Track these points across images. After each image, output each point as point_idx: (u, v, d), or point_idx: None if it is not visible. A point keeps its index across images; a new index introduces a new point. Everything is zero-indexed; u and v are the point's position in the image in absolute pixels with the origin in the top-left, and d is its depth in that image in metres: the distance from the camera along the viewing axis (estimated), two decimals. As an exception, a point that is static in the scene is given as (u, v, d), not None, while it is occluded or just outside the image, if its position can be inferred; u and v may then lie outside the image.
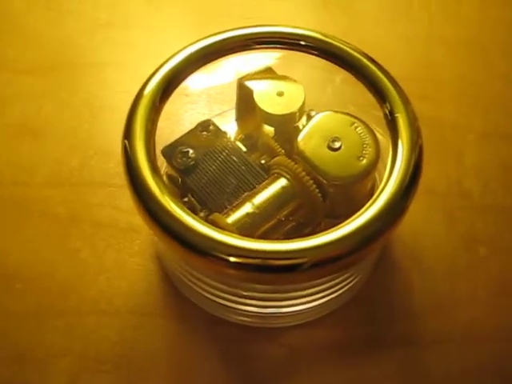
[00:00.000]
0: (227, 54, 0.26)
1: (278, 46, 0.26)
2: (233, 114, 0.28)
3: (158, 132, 0.24)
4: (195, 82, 0.29)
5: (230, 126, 0.28)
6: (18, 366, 0.26)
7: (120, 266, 0.28)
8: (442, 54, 0.35)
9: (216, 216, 0.23)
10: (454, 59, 0.35)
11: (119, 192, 0.30)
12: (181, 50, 0.25)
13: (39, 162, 0.31)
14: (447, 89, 0.34)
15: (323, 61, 0.26)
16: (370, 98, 0.25)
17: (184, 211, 0.22)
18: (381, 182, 0.26)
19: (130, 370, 0.26)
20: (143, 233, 0.29)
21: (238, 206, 0.24)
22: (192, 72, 0.25)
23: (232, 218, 0.23)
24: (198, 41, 0.26)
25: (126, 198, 0.30)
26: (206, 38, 0.26)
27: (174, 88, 0.25)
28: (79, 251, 0.29)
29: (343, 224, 0.22)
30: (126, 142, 0.23)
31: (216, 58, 0.26)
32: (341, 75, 0.26)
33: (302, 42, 0.26)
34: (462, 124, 0.33)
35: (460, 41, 0.36)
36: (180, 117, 0.31)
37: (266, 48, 0.26)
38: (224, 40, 0.25)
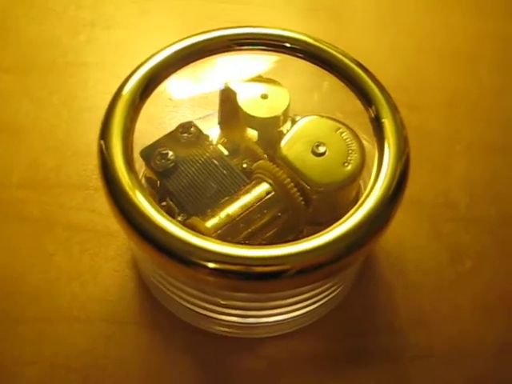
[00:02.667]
0: (210, 55, 0.25)
1: (263, 47, 0.25)
2: (216, 118, 0.28)
3: (138, 135, 0.23)
4: (178, 85, 0.29)
5: (212, 130, 0.27)
6: (-17, 375, 0.25)
7: (95, 271, 0.27)
8: (431, 64, 0.35)
9: (194, 220, 0.23)
10: (443, 70, 0.35)
11: (97, 195, 0.29)
12: (162, 49, 0.25)
13: (15, 162, 0.30)
14: (436, 99, 0.34)
15: (311, 66, 0.26)
16: (357, 104, 0.25)
17: (161, 214, 0.21)
18: (365, 189, 0.25)
19: (101, 380, 0.25)
20: (120, 237, 0.28)
21: (217, 210, 0.23)
22: (173, 72, 0.25)
23: (211, 222, 0.22)
24: (179, 40, 0.25)
25: (103, 201, 0.28)
26: (188, 37, 0.25)
27: (154, 88, 0.24)
28: (53, 255, 0.28)
29: (327, 230, 0.21)
30: (101, 142, 0.22)
31: (198, 59, 0.25)
32: (328, 81, 0.26)
33: (288, 45, 0.25)
34: (450, 135, 0.32)
35: (449, 51, 0.35)
36: (162, 119, 0.30)
37: (250, 50, 0.25)
38: (207, 40, 0.25)
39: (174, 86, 0.28)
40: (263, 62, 0.27)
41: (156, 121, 0.30)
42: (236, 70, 0.27)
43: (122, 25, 0.35)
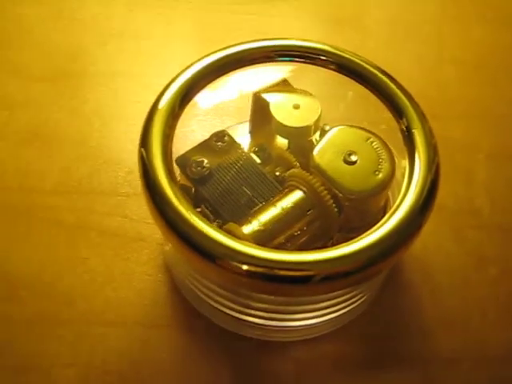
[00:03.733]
0: (244, 66, 0.26)
1: (295, 59, 0.26)
2: (245, 127, 0.28)
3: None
4: (207, 94, 0.29)
5: (242, 139, 0.28)
6: (22, 376, 0.26)
7: (128, 275, 0.28)
8: (451, 74, 0.36)
9: (231, 225, 0.23)
10: (463, 80, 0.35)
11: (128, 201, 0.30)
12: (197, 61, 0.25)
13: (48, 170, 0.31)
14: (456, 109, 0.34)
15: (336, 75, 0.26)
16: (382, 113, 0.25)
17: (200, 219, 0.22)
18: (393, 198, 0.26)
19: (136, 382, 0.26)
20: (152, 242, 0.29)
21: (253, 217, 0.23)
22: (208, 83, 0.25)
23: (247, 228, 0.23)
24: (214, 52, 0.26)
25: (135, 207, 0.30)
26: (222, 49, 0.26)
27: (191, 98, 0.25)
28: (87, 260, 0.28)
29: (358, 238, 0.22)
30: (142, 150, 0.23)
31: (233, 70, 0.26)
32: (354, 90, 0.27)
33: (319, 56, 0.26)
34: (471, 143, 0.33)
35: (469, 62, 0.36)
36: (192, 128, 0.31)
37: (283, 61, 0.26)
38: (241, 52, 0.25)
39: (203, 94, 0.28)
40: (291, 71, 0.28)
41: (185, 128, 0.31)
42: (264, 81, 0.28)
43: (149, 35, 0.36)
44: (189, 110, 0.31)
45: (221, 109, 0.32)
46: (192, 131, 0.31)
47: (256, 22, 0.37)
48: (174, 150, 0.26)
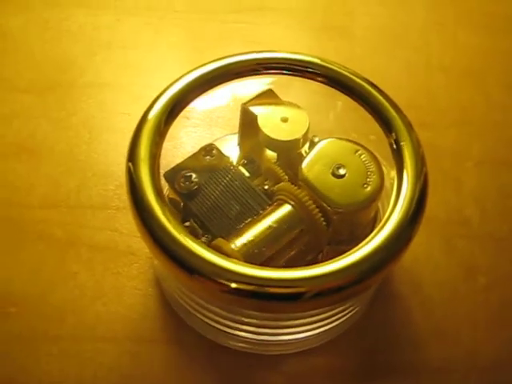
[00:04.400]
0: (233, 79, 0.26)
1: (283, 72, 0.26)
2: (234, 139, 0.28)
3: (160, 156, 0.24)
4: (196, 105, 0.29)
5: (231, 151, 0.28)
6: (10, 393, 0.26)
7: (118, 290, 0.28)
8: (440, 82, 0.36)
9: (220, 241, 0.23)
10: (452, 87, 0.35)
11: (118, 215, 0.30)
12: (186, 74, 0.25)
13: (36, 183, 0.31)
14: (446, 117, 0.34)
15: (323, 86, 0.26)
16: (370, 124, 0.25)
17: (188, 236, 0.21)
18: (383, 210, 0.26)
19: (126, 398, 0.26)
20: (142, 256, 0.29)
21: (241, 232, 0.23)
22: (197, 96, 0.25)
23: (236, 243, 0.23)
24: (202, 65, 0.26)
25: (124, 221, 0.29)
26: (210, 62, 0.26)
27: (180, 111, 0.25)
28: (76, 274, 0.28)
29: (347, 254, 0.22)
30: (130, 164, 0.23)
31: (221, 83, 0.26)
32: (343, 101, 0.27)
33: (307, 69, 0.26)
34: (461, 151, 0.33)
35: (459, 69, 0.36)
36: (181, 140, 0.31)
37: (272, 74, 0.26)
38: (231, 64, 0.25)
39: (192, 106, 0.28)
40: (276, 84, 0.27)
41: (174, 141, 0.31)
42: (251, 91, 0.28)
43: (137, 45, 0.36)
44: (178, 121, 0.31)
45: (210, 120, 0.32)
46: (181, 143, 0.31)
47: (245, 30, 0.37)
48: (162, 162, 0.25)
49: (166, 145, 0.26)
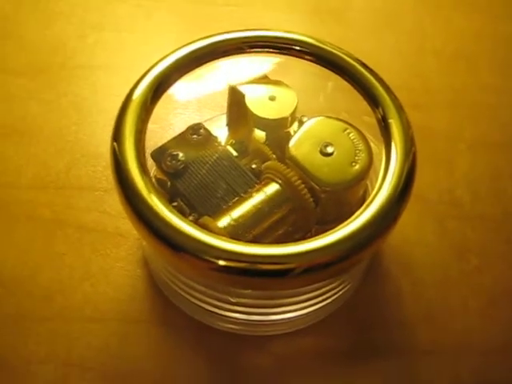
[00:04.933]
0: (219, 58, 0.25)
1: (271, 50, 0.26)
2: (223, 120, 0.28)
3: (147, 136, 0.24)
4: (186, 86, 0.29)
5: (220, 131, 0.27)
6: (-1, 373, 0.26)
7: (106, 271, 0.28)
8: (433, 64, 0.35)
9: (206, 219, 0.23)
10: (445, 70, 0.35)
11: (106, 196, 0.29)
12: (171, 53, 0.25)
13: (25, 164, 0.30)
14: (438, 99, 0.34)
15: (316, 67, 0.26)
16: (362, 104, 0.25)
17: (173, 213, 0.21)
18: (372, 189, 0.25)
19: (115, 378, 0.26)
20: (130, 237, 0.28)
21: (228, 210, 0.23)
22: (183, 75, 0.25)
23: (222, 221, 0.23)
24: (188, 43, 0.26)
25: (113, 202, 0.29)
26: (196, 40, 0.26)
27: (165, 90, 0.24)
28: (64, 255, 0.28)
29: (335, 230, 0.22)
30: (114, 144, 0.23)
31: (207, 62, 0.25)
32: (334, 81, 0.26)
33: (296, 47, 0.25)
34: (453, 133, 0.33)
35: (451, 52, 0.36)
36: (170, 121, 0.31)
37: (259, 52, 0.26)
38: (216, 43, 0.25)
39: (181, 87, 0.28)
40: (269, 63, 0.27)
41: (164, 122, 0.31)
42: (243, 72, 0.27)
43: (129, 27, 0.36)
44: (167, 103, 0.31)
45: (199, 101, 0.32)
46: (170, 125, 0.31)
47: (237, 13, 0.37)
48: (151, 144, 0.25)
49: (155, 126, 0.26)
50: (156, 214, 0.21)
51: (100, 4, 0.36)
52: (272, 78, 0.27)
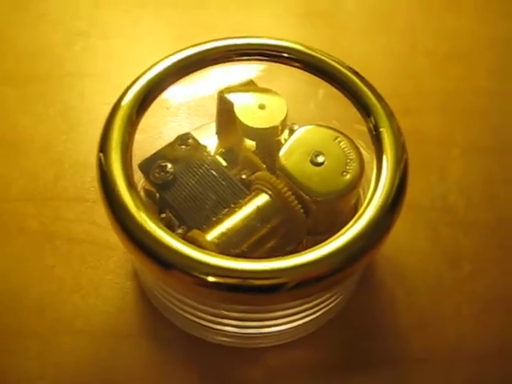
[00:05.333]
0: (208, 66, 0.25)
1: (261, 57, 0.25)
2: (213, 127, 0.28)
3: (136, 145, 0.23)
4: (175, 94, 0.29)
5: (210, 140, 0.27)
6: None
7: (96, 283, 0.27)
8: (425, 67, 0.35)
9: (195, 233, 0.23)
10: (437, 73, 0.35)
11: (95, 207, 0.29)
12: (160, 61, 0.25)
13: (13, 176, 0.30)
14: (431, 102, 0.34)
15: (306, 74, 0.26)
16: (353, 112, 0.25)
17: (160, 228, 0.21)
18: (364, 198, 0.25)
19: (105, 392, 0.25)
20: (120, 249, 0.28)
21: (217, 223, 0.23)
22: (171, 83, 0.25)
23: (211, 234, 0.22)
24: (177, 51, 0.25)
25: (102, 213, 0.28)
26: (186, 48, 0.25)
27: (153, 100, 0.24)
28: (54, 267, 0.28)
29: (326, 242, 0.21)
30: (101, 155, 0.22)
31: (196, 70, 0.25)
32: (324, 89, 0.26)
33: (285, 55, 0.25)
34: (446, 138, 0.33)
35: (443, 54, 0.36)
36: (159, 129, 0.30)
37: (248, 60, 0.25)
38: (205, 51, 0.25)
39: (171, 95, 0.27)
40: (258, 70, 0.27)
41: (153, 130, 0.30)
42: (232, 79, 0.27)
43: (117, 34, 0.35)
44: (156, 111, 0.31)
45: (189, 109, 0.31)
46: (159, 133, 0.30)
47: (228, 18, 0.37)
48: (140, 153, 0.25)
49: (144, 136, 0.25)
50: (143, 229, 0.21)
51: (87, 11, 0.36)
52: (262, 85, 0.26)
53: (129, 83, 0.24)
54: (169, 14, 0.36)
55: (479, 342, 0.27)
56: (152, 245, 0.21)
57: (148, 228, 0.21)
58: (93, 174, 0.29)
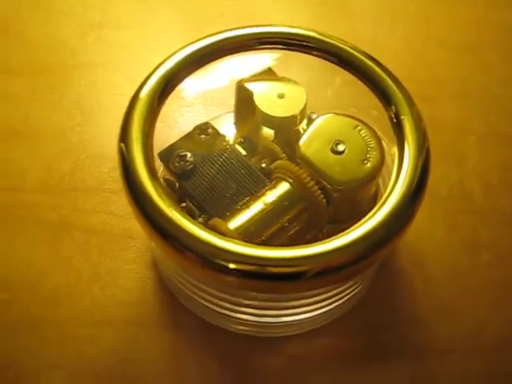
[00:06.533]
0: (226, 55, 0.25)
1: (279, 46, 0.25)
2: (230, 118, 0.28)
3: (154, 136, 0.23)
4: (191, 84, 0.28)
5: (227, 130, 0.27)
6: (7, 379, 0.25)
7: (114, 273, 0.27)
8: (440, 55, 0.35)
9: (216, 221, 0.23)
10: (452, 61, 0.35)
11: (113, 197, 0.29)
12: (178, 51, 0.25)
13: (29, 167, 0.30)
14: (446, 90, 0.34)
15: (322, 62, 0.26)
16: (370, 99, 0.25)
17: (183, 216, 0.21)
18: (384, 186, 0.25)
19: (125, 383, 0.25)
20: (139, 239, 0.28)
21: (238, 211, 0.23)
22: (190, 73, 0.24)
23: (233, 223, 0.22)
24: (195, 41, 0.25)
25: (120, 203, 0.29)
26: (204, 38, 0.25)
27: (172, 89, 0.24)
28: (72, 258, 0.28)
29: (349, 230, 0.21)
30: (122, 145, 0.22)
31: (215, 59, 0.25)
32: (341, 76, 0.26)
33: (304, 43, 0.25)
34: (462, 126, 0.32)
35: (457, 42, 0.35)
36: (176, 120, 0.30)
37: (267, 48, 0.25)
38: (223, 40, 0.25)
39: (187, 85, 0.27)
40: (275, 59, 0.27)
41: (170, 121, 0.30)
42: (249, 69, 0.27)
43: (130, 24, 0.35)
44: (173, 101, 0.30)
45: (206, 99, 0.31)
46: (176, 123, 0.31)
47: (240, 6, 0.36)
48: (158, 143, 0.25)
49: (161, 125, 0.25)
50: (165, 217, 0.21)
51: (100, 1, 0.36)
52: (279, 74, 0.26)
53: (142, 74, 0.24)
54: (181, 4, 0.36)
55: (498, 330, 0.27)
56: (175, 232, 0.21)
57: (170, 216, 0.21)
58: (109, 164, 0.30)
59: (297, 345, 0.26)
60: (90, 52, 0.34)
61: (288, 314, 0.25)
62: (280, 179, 0.24)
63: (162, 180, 0.25)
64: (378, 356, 0.26)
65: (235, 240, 0.21)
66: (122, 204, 0.29)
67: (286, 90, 0.25)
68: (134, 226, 0.28)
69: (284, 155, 0.24)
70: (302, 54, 0.26)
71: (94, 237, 0.28)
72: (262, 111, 0.25)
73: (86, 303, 0.27)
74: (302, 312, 0.25)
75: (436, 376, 0.26)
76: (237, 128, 0.27)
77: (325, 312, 0.25)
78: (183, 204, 0.24)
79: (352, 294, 0.26)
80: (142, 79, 0.24)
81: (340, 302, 0.25)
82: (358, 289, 0.26)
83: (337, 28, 0.36)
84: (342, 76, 0.26)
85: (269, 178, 0.24)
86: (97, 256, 0.28)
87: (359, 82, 0.25)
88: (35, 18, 0.35)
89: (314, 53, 0.25)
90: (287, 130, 0.25)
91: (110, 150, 0.30)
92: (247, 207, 0.23)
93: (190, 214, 0.23)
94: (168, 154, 0.24)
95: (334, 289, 0.24)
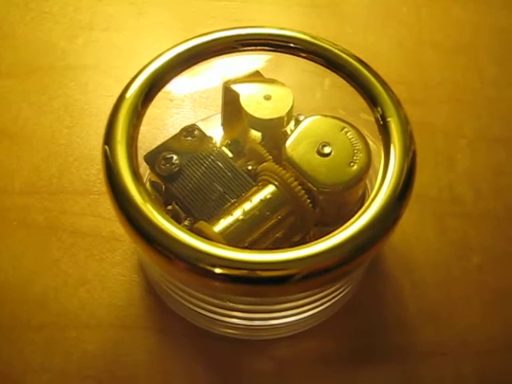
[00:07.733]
0: (213, 57, 0.25)
1: (266, 48, 0.25)
2: (218, 119, 0.28)
3: (140, 137, 0.23)
4: (180, 85, 0.28)
5: (215, 131, 0.27)
6: (-6, 383, 0.25)
7: (101, 276, 0.27)
8: (432, 58, 0.35)
9: (202, 224, 0.22)
10: (444, 63, 0.35)
11: (100, 200, 0.29)
12: (164, 52, 0.24)
13: (17, 169, 0.30)
14: (438, 93, 0.34)
15: (311, 64, 0.25)
16: (360, 102, 0.25)
17: (167, 220, 0.21)
18: (371, 188, 0.25)
19: (112, 386, 0.25)
20: (126, 242, 0.28)
21: (224, 214, 0.23)
22: (176, 75, 0.24)
23: (219, 226, 0.22)
24: (182, 42, 0.25)
25: (108, 206, 0.29)
26: (190, 39, 0.25)
27: (157, 91, 0.24)
28: (59, 261, 0.28)
29: (334, 233, 0.21)
30: (106, 147, 0.22)
31: (201, 61, 0.25)
32: (330, 78, 0.26)
33: (291, 44, 0.25)
34: (453, 129, 0.32)
35: (450, 45, 0.35)
36: (164, 121, 0.30)
37: (254, 50, 0.25)
38: (210, 42, 0.24)
39: (175, 86, 0.27)
40: (263, 61, 0.27)
41: (158, 122, 0.30)
42: (237, 70, 0.27)
43: (120, 26, 0.35)
44: (161, 103, 0.30)
45: (194, 101, 0.31)
46: (164, 125, 0.30)
47: (230, 8, 0.36)
48: (145, 145, 0.25)
49: (149, 127, 0.25)
50: (148, 221, 0.21)
51: (90, 3, 0.35)
52: (266, 75, 0.26)
53: (132, 75, 0.24)
54: (171, 6, 0.36)
55: (488, 334, 0.27)
56: (159, 237, 0.20)
57: (154, 220, 0.20)
58: (97, 166, 0.30)
59: (284, 348, 0.26)
60: (80, 54, 0.34)
61: (275, 317, 0.25)
62: (266, 182, 0.23)
63: (148, 183, 0.25)
64: (366, 359, 0.26)
65: (220, 244, 0.21)
66: (109, 206, 0.28)
67: (272, 91, 0.25)
68: (121, 228, 0.27)
69: (270, 157, 0.24)
70: (291, 56, 0.26)
71: (82, 239, 0.28)
72: (249, 113, 0.25)
73: (74, 306, 0.27)
74: (289, 315, 0.25)
75: (424, 380, 0.26)
76: (224, 130, 0.27)
77: (313, 315, 0.25)
78: (169, 207, 0.24)
79: (340, 296, 0.26)
80: (131, 81, 0.24)
81: (328, 304, 0.25)
82: (346, 291, 0.26)
83: (329, 31, 0.36)
84: (331, 78, 0.25)
85: (255, 181, 0.24)
86: (84, 259, 0.28)
87: (348, 86, 0.25)
88: (25, 20, 0.35)
89: (303, 55, 0.25)
90: (274, 131, 0.25)
91: (98, 153, 0.29)
92: (233, 210, 0.23)
93: (176, 217, 0.23)
94: (154, 157, 0.24)
95: (322, 291, 0.24)
